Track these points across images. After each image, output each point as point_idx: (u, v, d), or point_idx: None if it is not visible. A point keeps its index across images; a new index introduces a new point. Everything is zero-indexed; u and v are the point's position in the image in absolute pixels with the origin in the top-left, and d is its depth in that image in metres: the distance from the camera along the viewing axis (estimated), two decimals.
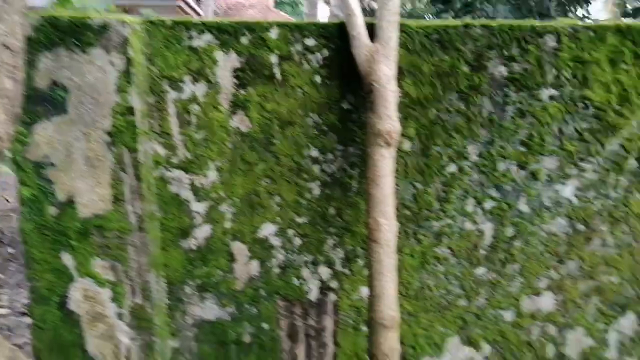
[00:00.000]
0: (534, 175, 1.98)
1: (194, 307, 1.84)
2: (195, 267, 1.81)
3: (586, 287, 2.16)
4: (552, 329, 2.17)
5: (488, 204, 1.97)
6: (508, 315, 2.12)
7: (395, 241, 1.64)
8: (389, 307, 1.59)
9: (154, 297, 1.71)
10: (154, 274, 1.71)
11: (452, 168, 1.89)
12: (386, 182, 1.61)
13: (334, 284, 1.93)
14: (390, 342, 1.60)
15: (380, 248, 1.61)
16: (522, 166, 1.95)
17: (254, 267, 1.85)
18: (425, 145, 1.84)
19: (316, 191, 1.82)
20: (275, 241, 1.84)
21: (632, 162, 2.04)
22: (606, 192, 2.06)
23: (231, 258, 1.83)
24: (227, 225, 1.79)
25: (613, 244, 2.14)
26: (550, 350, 2.18)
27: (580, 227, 2.08)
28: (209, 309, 1.86)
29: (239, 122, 1.71)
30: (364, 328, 1.99)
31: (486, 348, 2.13)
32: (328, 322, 1.97)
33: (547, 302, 2.15)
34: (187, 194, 1.75)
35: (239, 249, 1.82)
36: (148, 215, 1.65)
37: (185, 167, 1.72)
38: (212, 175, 1.74)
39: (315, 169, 1.80)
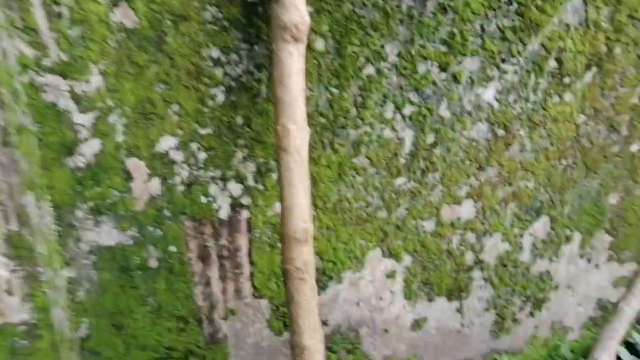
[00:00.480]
0: (455, 78, 1.82)
1: (89, 232, 1.60)
2: (86, 188, 1.55)
3: (504, 193, 2.09)
4: (471, 237, 2.11)
5: (408, 110, 1.80)
6: (428, 225, 2.03)
7: (306, 149, 1.45)
8: (302, 219, 1.42)
9: (33, 222, 1.45)
10: (32, 196, 1.44)
11: (369, 70, 1.69)
12: (294, 83, 1.39)
13: (246, 200, 1.74)
14: (304, 256, 1.44)
15: (289, 156, 1.42)
16: (443, 68, 1.78)
17: (155, 185, 1.62)
18: (340, 44, 1.62)
19: (220, 98, 1.57)
20: (177, 156, 1.60)
21: (552, 63, 1.92)
22: (526, 95, 1.94)
23: (127, 176, 1.58)
24: (119, 138, 1.52)
25: (530, 149, 2.06)
26: (469, 257, 2.13)
27: (500, 132, 1.97)
28: (106, 234, 1.62)
29: (123, 15, 1.41)
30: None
31: (407, 259, 2.04)
32: (242, 241, 1.79)
33: (466, 210, 2.07)
34: (67, 104, 1.45)
35: (135, 165, 1.57)
36: (15, 128, 1.36)
37: (62, 71, 1.42)
38: (96, 80, 1.45)
39: (218, 72, 1.54)
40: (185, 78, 1.52)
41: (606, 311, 2.57)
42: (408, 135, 1.85)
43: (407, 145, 1.86)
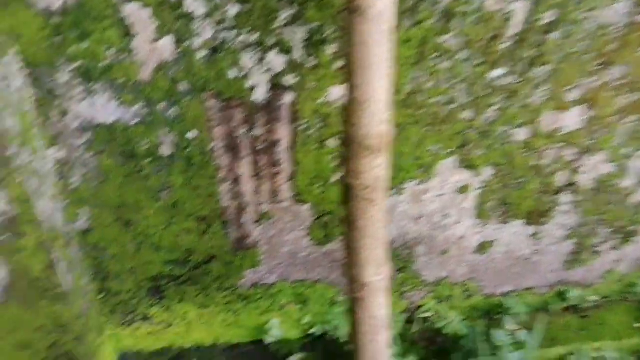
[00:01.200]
0: None
1: (76, 102, 1.08)
2: (67, 42, 1.00)
3: (624, 102, 1.44)
4: (569, 153, 1.50)
5: None
6: (521, 134, 1.42)
7: (392, 15, 0.83)
8: (378, 119, 0.85)
9: None
10: None
11: None
12: None
13: (290, 80, 1.15)
14: (377, 170, 0.89)
15: (367, 24, 0.81)
16: None
17: (167, 46, 1.05)
18: None
19: None
20: (197, 7, 1.01)
21: None
22: None
23: (126, 30, 1.01)
24: None
25: None
26: (561, 177, 1.54)
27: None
28: (102, 107, 1.09)
29: None
30: (333, 142, 1.28)
31: (486, 172, 1.46)
32: (283, 133, 1.25)
33: (572, 119, 1.43)
34: None
35: (137, 15, 0.99)
36: None
37: None
38: None
39: None
40: None
41: None
42: (519, 9, 1.18)
43: (515, 24, 1.20)
